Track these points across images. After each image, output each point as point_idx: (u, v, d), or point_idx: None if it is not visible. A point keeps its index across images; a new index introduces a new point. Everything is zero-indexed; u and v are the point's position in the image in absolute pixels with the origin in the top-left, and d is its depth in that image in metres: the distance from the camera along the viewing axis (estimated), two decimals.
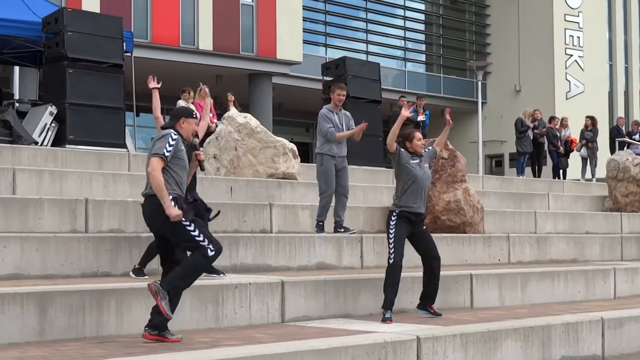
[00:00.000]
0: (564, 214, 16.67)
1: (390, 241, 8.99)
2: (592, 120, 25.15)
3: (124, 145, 16.21)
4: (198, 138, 8.04)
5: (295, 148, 15.06)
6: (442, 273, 10.38)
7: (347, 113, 12.48)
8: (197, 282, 7.42)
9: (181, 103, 17.36)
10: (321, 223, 12.08)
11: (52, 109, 15.71)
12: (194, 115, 7.69)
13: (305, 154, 36.01)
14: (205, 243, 7.25)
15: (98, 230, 10.15)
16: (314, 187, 14.51)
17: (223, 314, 8.19)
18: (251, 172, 14.37)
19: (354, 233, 11.91)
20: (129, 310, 7.56)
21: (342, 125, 12.18)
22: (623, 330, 9.24)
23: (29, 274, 8.55)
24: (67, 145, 15.25)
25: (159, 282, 7.09)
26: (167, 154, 7.28)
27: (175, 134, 7.41)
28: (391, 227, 9.03)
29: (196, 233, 7.26)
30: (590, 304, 11.17)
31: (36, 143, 15.20)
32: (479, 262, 12.72)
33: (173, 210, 7.19)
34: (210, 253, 7.23)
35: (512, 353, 8.08)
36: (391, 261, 8.91)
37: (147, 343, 6.91)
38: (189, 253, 7.39)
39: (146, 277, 8.76)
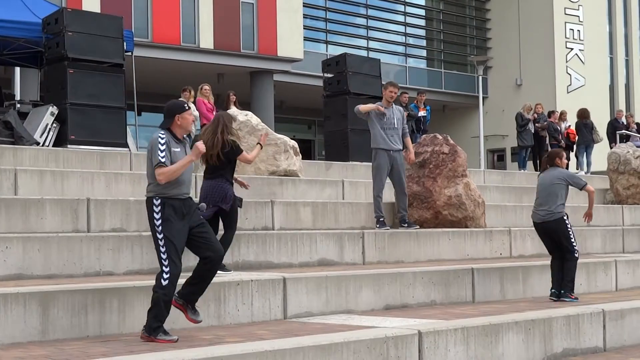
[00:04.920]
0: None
1: (572, 238, 10.39)
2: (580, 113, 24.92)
3: (125, 145, 16.22)
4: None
5: (296, 145, 15.09)
6: (443, 268, 10.49)
7: (400, 108, 13.20)
8: None
9: None
10: (382, 219, 12.57)
11: (53, 109, 15.73)
12: (186, 107, 7.32)
13: (307, 151, 36.09)
14: (165, 264, 6.95)
15: (100, 229, 10.18)
16: (315, 184, 14.56)
17: (225, 312, 8.21)
18: (253, 170, 14.38)
19: (418, 228, 12.55)
20: (131, 309, 7.58)
21: (394, 118, 12.80)
22: (624, 321, 9.25)
23: (32, 274, 8.58)
24: (68, 146, 15.26)
25: (143, 328, 7.04)
26: (163, 160, 7.02)
27: (162, 137, 7.12)
28: (569, 226, 10.32)
29: (162, 250, 7.00)
30: (592, 296, 11.19)
31: (38, 143, 15.22)
32: (480, 256, 12.75)
33: (195, 149, 7.06)
34: (164, 282, 6.91)
35: (513, 346, 8.09)
36: (577, 254, 10.41)
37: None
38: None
39: (230, 271, 9.20)
